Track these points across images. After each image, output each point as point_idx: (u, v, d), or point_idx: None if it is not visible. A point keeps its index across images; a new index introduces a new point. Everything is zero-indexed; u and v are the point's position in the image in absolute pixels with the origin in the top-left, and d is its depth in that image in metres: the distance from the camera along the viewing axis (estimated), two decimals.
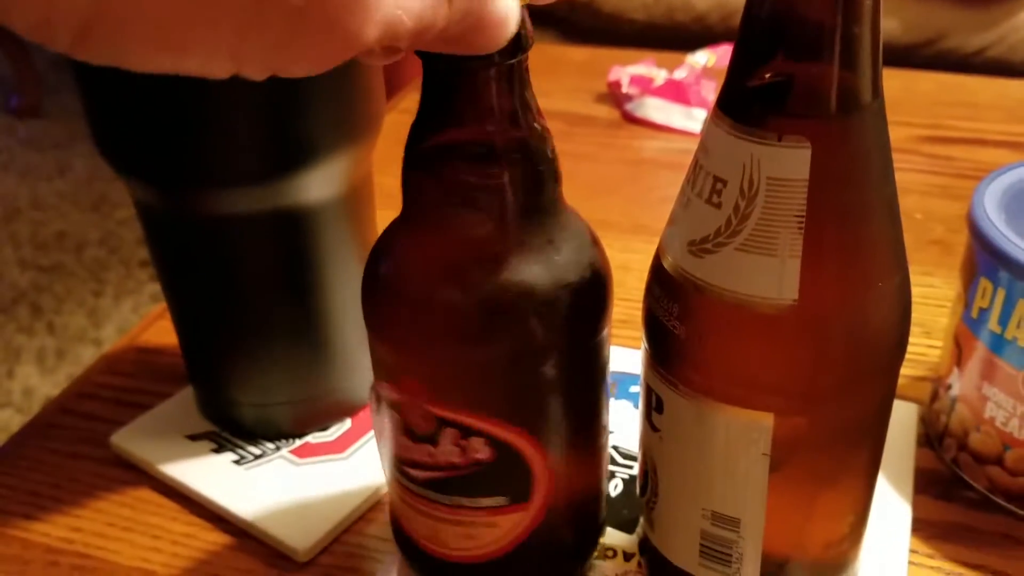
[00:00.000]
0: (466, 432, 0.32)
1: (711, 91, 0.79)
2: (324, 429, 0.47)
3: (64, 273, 1.92)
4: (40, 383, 1.63)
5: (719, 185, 0.28)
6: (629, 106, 0.81)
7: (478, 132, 0.29)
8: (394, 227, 0.33)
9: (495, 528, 0.34)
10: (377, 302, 0.33)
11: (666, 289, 0.31)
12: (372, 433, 0.47)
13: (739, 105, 0.28)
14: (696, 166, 0.30)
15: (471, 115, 0.29)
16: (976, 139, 0.78)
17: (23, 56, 2.45)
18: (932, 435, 0.46)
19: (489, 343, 0.31)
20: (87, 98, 0.39)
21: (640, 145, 0.78)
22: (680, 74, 0.79)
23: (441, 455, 0.33)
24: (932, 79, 0.90)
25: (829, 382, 0.30)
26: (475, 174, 0.30)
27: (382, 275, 0.32)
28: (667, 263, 0.31)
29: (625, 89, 0.81)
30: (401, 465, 0.34)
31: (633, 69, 0.82)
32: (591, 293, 0.32)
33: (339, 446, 0.46)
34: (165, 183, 0.40)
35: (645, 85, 0.80)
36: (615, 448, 0.46)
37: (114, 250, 1.99)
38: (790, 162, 0.27)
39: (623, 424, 0.47)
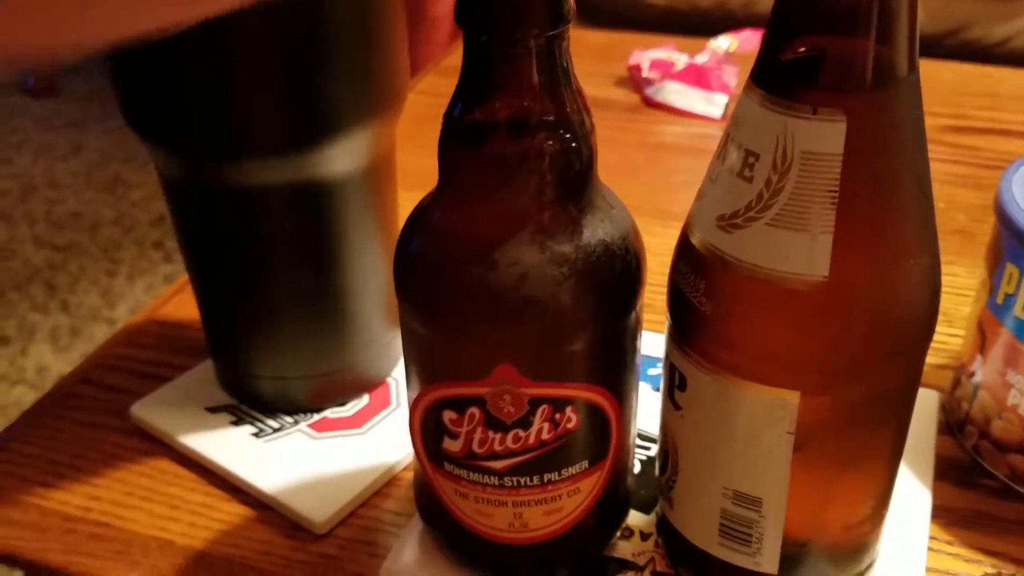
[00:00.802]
0: (558, 404, 0.32)
1: (732, 76, 0.78)
2: (342, 404, 0.47)
3: (78, 252, 1.93)
4: (54, 361, 1.63)
5: (751, 159, 0.28)
6: (649, 90, 0.80)
7: (523, 103, 0.30)
8: (440, 222, 0.32)
9: (577, 495, 0.35)
10: (464, 304, 0.32)
11: (693, 265, 0.31)
12: (389, 409, 0.47)
13: (773, 77, 0.28)
14: (727, 139, 0.30)
15: (513, 87, 0.29)
16: (999, 129, 0.77)
17: None
18: (952, 423, 0.46)
19: (579, 308, 0.31)
20: (114, 67, 0.39)
21: (660, 130, 0.78)
22: (701, 59, 0.78)
23: (532, 436, 0.33)
24: (955, 69, 0.89)
25: (857, 360, 0.29)
26: (537, 144, 0.30)
27: (464, 278, 0.31)
28: (695, 239, 0.31)
29: (645, 73, 0.80)
30: (476, 462, 0.34)
31: (653, 53, 0.82)
32: (640, 254, 0.34)
33: (357, 421, 0.46)
34: (190, 152, 0.40)
35: (666, 69, 0.79)
36: None
37: (128, 230, 2.00)
38: (825, 136, 0.27)
39: (642, 406, 0.47)
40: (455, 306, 0.32)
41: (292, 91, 0.38)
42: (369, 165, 0.42)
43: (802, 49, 0.27)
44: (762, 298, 0.29)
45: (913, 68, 0.27)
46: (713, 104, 0.77)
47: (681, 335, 0.32)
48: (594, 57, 0.91)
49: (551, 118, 0.30)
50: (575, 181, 0.31)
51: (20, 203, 2.09)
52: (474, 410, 0.33)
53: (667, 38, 0.89)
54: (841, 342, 0.29)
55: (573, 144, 0.31)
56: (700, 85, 0.77)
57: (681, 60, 0.79)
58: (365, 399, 0.48)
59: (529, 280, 0.31)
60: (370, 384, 0.48)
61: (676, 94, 0.78)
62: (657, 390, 0.48)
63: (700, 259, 0.30)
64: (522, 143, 0.30)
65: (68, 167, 2.22)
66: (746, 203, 0.28)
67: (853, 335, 0.29)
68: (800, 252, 0.28)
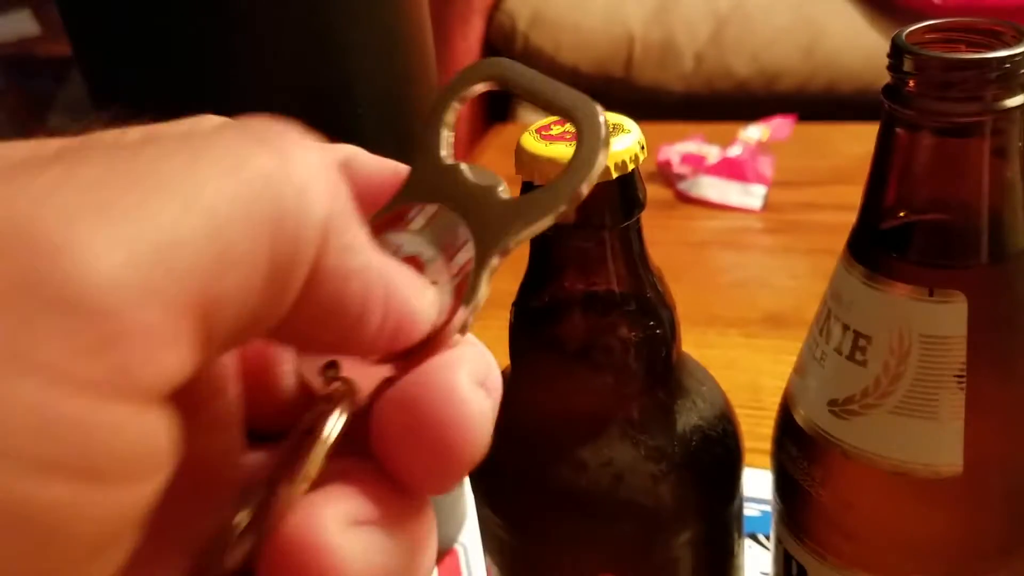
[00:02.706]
0: None
1: (768, 166, 0.76)
2: None
3: None
4: None
5: (861, 341, 0.26)
6: (682, 185, 0.79)
7: (601, 290, 0.27)
8: (518, 420, 0.30)
9: None
10: (555, 511, 0.29)
11: (802, 449, 0.28)
12: None
13: (878, 254, 0.25)
14: (828, 315, 0.27)
15: (591, 278, 0.27)
16: None
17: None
18: None
19: (682, 505, 0.29)
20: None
21: (699, 226, 0.76)
22: (734, 151, 0.77)
23: None
24: None
25: (1001, 547, 0.26)
26: (608, 335, 0.28)
27: (553, 483, 0.29)
28: (800, 418, 0.28)
29: (676, 168, 0.79)
30: None
31: (682, 147, 0.80)
32: (737, 431, 0.31)
33: None
34: None
35: (697, 163, 0.78)
36: None
37: None
38: (945, 318, 0.24)
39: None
40: (545, 514, 0.29)
41: None
42: None
43: (910, 225, 0.25)
44: (891, 490, 0.26)
45: None
46: (751, 195, 0.75)
47: (795, 523, 0.29)
48: None
49: (632, 307, 0.28)
50: (663, 367, 0.29)
51: None
52: None
53: (691, 126, 0.88)
54: (980, 533, 0.26)
55: (657, 330, 0.28)
56: (735, 177, 0.76)
57: (712, 153, 0.78)
58: (434, 573, 0.45)
59: (625, 481, 0.28)
60: (436, 553, 0.45)
61: (711, 188, 0.76)
62: (747, 536, 0.45)
63: (810, 443, 0.28)
64: (604, 334, 0.28)
65: None
66: (862, 388, 0.26)
67: (993, 524, 0.26)
68: (930, 442, 0.25)
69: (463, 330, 0.15)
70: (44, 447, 0.10)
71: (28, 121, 1.54)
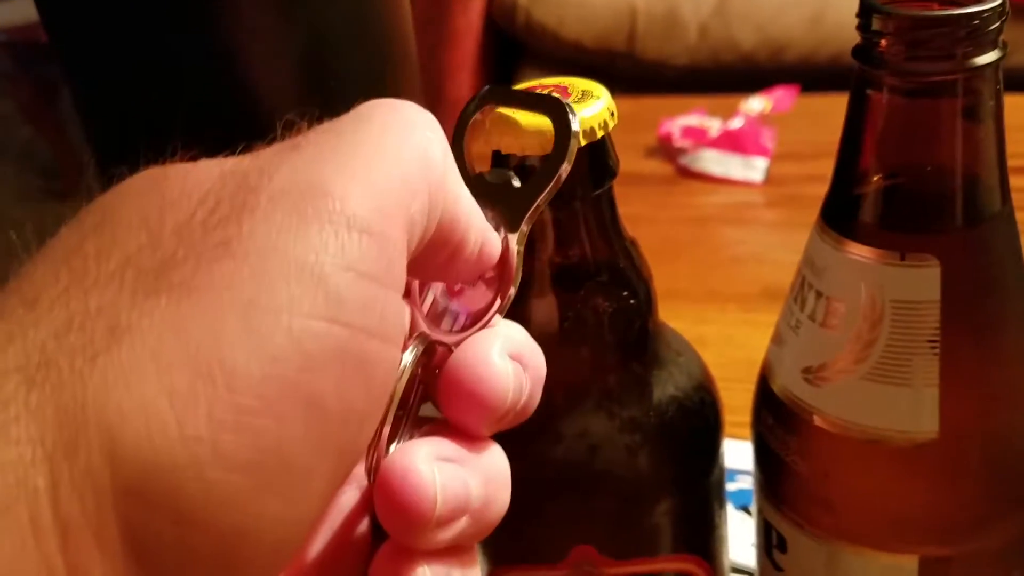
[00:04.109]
0: None
1: (770, 139, 0.75)
2: None
3: None
4: None
5: (834, 307, 0.25)
6: (683, 160, 0.78)
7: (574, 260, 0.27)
8: None
9: None
10: (530, 483, 0.29)
11: (779, 419, 0.28)
12: None
13: (850, 220, 0.25)
14: (803, 283, 0.27)
15: (563, 249, 0.27)
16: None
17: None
18: None
19: (658, 476, 0.29)
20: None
21: (700, 201, 0.75)
22: (736, 123, 0.76)
23: None
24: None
25: (981, 514, 0.26)
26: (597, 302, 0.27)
27: (528, 455, 0.28)
28: (776, 387, 0.28)
29: (677, 142, 0.78)
30: None
31: (684, 120, 0.79)
32: (717, 402, 0.31)
33: None
34: None
35: (699, 137, 0.77)
36: None
37: None
38: (918, 283, 0.24)
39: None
40: (520, 487, 0.29)
41: None
42: None
43: (882, 188, 0.24)
44: (866, 458, 0.26)
45: (1007, 199, 0.24)
46: (753, 168, 0.74)
47: (774, 493, 0.29)
48: (620, 127, 0.89)
49: (605, 278, 0.28)
50: (638, 338, 0.29)
51: None
52: None
53: (693, 99, 0.87)
54: (959, 499, 0.26)
55: (631, 300, 0.28)
56: (737, 150, 0.75)
57: (714, 126, 0.77)
58: None
59: (600, 452, 0.28)
60: None
61: (713, 162, 0.75)
62: (740, 509, 0.45)
63: (786, 413, 0.27)
64: (578, 306, 0.28)
65: None
66: (835, 355, 0.25)
67: (972, 490, 0.26)
68: (905, 408, 0.25)
69: (502, 311, 0.20)
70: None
71: (36, 106, 1.54)
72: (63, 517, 0.13)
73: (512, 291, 0.20)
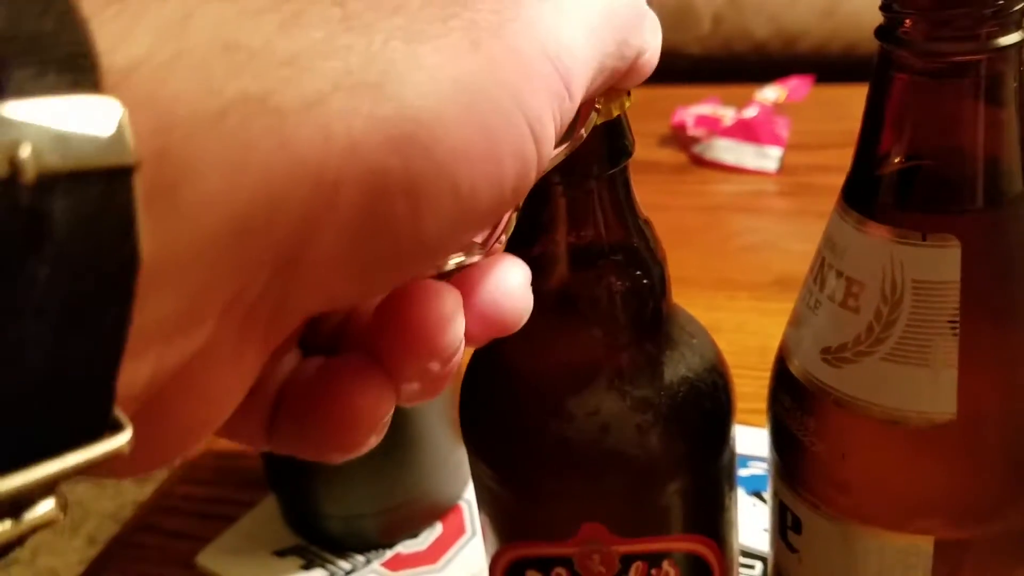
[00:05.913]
0: (654, 559, 0.29)
1: (784, 128, 0.75)
2: (414, 536, 0.45)
3: None
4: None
5: (854, 288, 0.25)
6: (697, 148, 0.78)
7: (591, 240, 0.27)
8: (506, 372, 0.30)
9: None
10: (541, 461, 0.29)
11: (797, 400, 0.28)
12: (465, 539, 0.45)
13: (871, 199, 0.25)
14: (822, 263, 0.27)
15: (578, 228, 0.27)
16: None
17: None
18: None
19: (668, 455, 0.29)
20: None
21: (713, 189, 0.75)
22: (750, 112, 0.76)
23: None
24: None
25: (998, 497, 0.26)
26: (608, 281, 0.27)
27: (539, 433, 0.29)
28: (795, 368, 0.28)
29: (691, 131, 0.78)
30: None
31: (697, 109, 0.79)
32: (728, 384, 0.30)
33: (432, 556, 0.44)
34: None
35: (712, 125, 0.77)
36: None
37: None
38: (938, 263, 0.24)
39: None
40: (531, 464, 0.29)
41: None
42: None
43: (904, 168, 0.24)
44: (885, 440, 0.26)
45: None
46: (767, 158, 0.74)
47: (790, 474, 0.29)
48: (633, 116, 0.89)
49: (619, 257, 0.28)
50: (651, 317, 0.29)
51: None
52: (560, 570, 0.30)
53: (707, 89, 0.87)
54: (976, 481, 0.26)
55: (645, 280, 0.28)
56: (751, 140, 0.75)
57: (728, 115, 0.77)
58: (438, 528, 0.45)
59: (611, 431, 0.28)
60: (442, 510, 0.46)
61: (726, 151, 0.75)
62: (752, 494, 0.45)
63: (805, 394, 0.27)
64: (592, 285, 0.28)
65: None
66: (854, 336, 0.25)
67: (989, 473, 0.26)
68: (923, 389, 0.25)
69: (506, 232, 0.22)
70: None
71: None
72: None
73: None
